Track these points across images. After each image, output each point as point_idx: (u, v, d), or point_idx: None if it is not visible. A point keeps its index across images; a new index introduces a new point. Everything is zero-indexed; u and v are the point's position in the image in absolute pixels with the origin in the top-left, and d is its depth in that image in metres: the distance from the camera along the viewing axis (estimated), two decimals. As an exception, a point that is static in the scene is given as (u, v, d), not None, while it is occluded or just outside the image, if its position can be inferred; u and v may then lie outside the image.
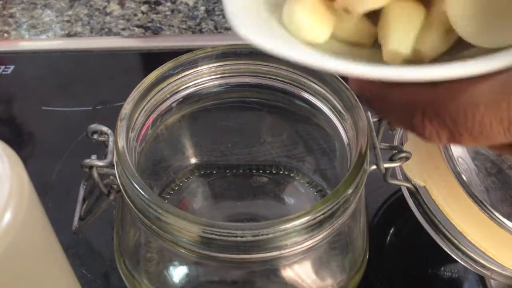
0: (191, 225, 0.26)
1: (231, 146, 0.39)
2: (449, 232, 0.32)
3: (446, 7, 0.20)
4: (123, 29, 0.60)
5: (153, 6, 0.63)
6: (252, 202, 0.39)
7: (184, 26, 0.60)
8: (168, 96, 0.33)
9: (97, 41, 0.58)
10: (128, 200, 0.28)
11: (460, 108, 0.19)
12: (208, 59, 0.33)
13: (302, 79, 0.33)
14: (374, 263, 0.35)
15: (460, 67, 0.19)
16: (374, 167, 0.30)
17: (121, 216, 0.32)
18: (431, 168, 0.32)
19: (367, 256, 0.33)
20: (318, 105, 0.33)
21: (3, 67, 0.54)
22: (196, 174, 0.39)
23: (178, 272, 0.32)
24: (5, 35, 0.60)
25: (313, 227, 0.26)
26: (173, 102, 0.33)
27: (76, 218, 0.31)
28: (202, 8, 0.62)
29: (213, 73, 0.34)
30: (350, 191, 0.27)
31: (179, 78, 0.33)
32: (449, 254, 0.33)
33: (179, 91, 0.33)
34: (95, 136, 0.31)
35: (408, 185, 0.33)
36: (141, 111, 0.31)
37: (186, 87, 0.33)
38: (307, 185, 0.39)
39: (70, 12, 0.62)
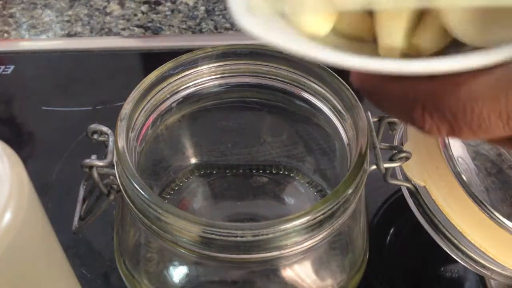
0: (191, 225, 0.26)
1: (231, 146, 0.39)
2: (449, 232, 0.32)
3: (441, 14, 0.20)
4: (123, 29, 0.60)
5: (153, 6, 0.63)
6: (252, 202, 0.39)
7: (184, 26, 0.60)
8: (168, 96, 0.33)
9: (97, 41, 0.58)
10: (128, 200, 0.28)
11: (459, 102, 0.19)
12: (208, 59, 0.33)
13: (302, 79, 0.33)
14: (374, 263, 0.35)
15: (459, 61, 0.19)
16: (374, 167, 0.30)
17: (121, 216, 0.32)
18: (431, 168, 0.32)
19: (367, 256, 0.33)
20: (318, 105, 0.33)
21: (3, 67, 0.54)
22: (196, 174, 0.39)
23: (178, 272, 0.32)
24: (5, 35, 0.60)
25: (313, 227, 0.26)
26: (173, 102, 0.33)
27: (76, 218, 0.31)
28: (202, 8, 0.62)
29: (213, 73, 0.34)
30: (350, 191, 0.27)
31: (179, 78, 0.33)
32: (449, 254, 0.33)
33: (179, 91, 0.33)
34: (95, 136, 0.31)
35: (408, 185, 0.33)
36: (141, 111, 0.31)
37: (186, 87, 0.33)
38: (307, 185, 0.39)
39: (70, 12, 0.62)
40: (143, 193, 0.26)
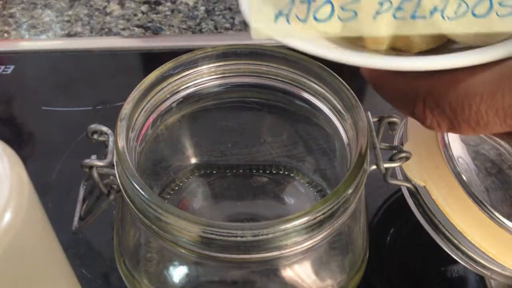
0: (191, 225, 0.26)
1: (231, 146, 0.39)
2: (449, 232, 0.32)
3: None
4: (123, 29, 0.60)
5: (153, 6, 0.63)
6: (252, 202, 0.39)
7: (184, 26, 0.60)
8: (168, 96, 0.33)
9: (97, 41, 0.58)
10: (128, 200, 0.28)
11: (458, 98, 0.20)
12: (208, 59, 0.33)
13: (302, 79, 0.33)
14: (374, 263, 0.35)
15: (457, 58, 0.19)
16: (374, 167, 0.30)
17: (121, 216, 0.32)
18: (431, 168, 0.32)
19: (367, 256, 0.33)
20: (318, 105, 0.33)
21: (3, 67, 0.54)
22: (196, 174, 0.39)
23: (178, 272, 0.32)
24: (5, 35, 0.60)
25: (313, 227, 0.26)
26: (173, 102, 0.33)
27: (76, 218, 0.31)
28: (202, 8, 0.62)
29: (213, 73, 0.34)
30: (350, 191, 0.27)
31: (179, 78, 0.33)
32: (449, 254, 0.33)
33: (179, 91, 0.33)
34: (95, 136, 0.31)
35: (408, 185, 0.33)
36: (141, 111, 0.31)
37: (186, 87, 0.33)
38: (307, 185, 0.39)
39: (70, 12, 0.62)
40: (143, 193, 0.26)
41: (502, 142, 0.39)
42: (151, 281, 0.31)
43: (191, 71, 0.33)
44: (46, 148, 0.47)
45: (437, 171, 0.32)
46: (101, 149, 0.31)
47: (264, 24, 0.21)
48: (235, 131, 0.39)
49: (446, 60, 0.20)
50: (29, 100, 0.51)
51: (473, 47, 0.20)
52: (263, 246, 0.26)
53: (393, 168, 0.31)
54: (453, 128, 0.20)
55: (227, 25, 0.60)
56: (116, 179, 0.29)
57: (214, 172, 0.39)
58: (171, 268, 0.32)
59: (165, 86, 0.32)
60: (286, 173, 0.39)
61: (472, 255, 0.32)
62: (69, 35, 0.60)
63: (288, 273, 0.30)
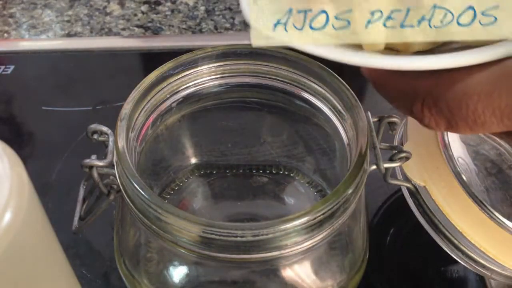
0: (191, 225, 0.26)
1: (231, 146, 0.39)
2: (449, 232, 0.32)
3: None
4: (123, 29, 0.60)
5: (153, 6, 0.63)
6: (252, 202, 0.39)
7: (184, 26, 0.60)
8: (168, 96, 0.33)
9: (97, 41, 0.58)
10: (128, 200, 0.28)
11: (455, 97, 0.20)
12: (208, 59, 0.33)
13: (302, 79, 0.33)
14: (374, 263, 0.35)
15: (454, 57, 0.20)
16: (374, 167, 0.30)
17: (121, 216, 0.32)
18: (431, 168, 0.32)
19: (367, 256, 0.33)
20: (318, 105, 0.33)
21: (3, 67, 0.54)
22: (196, 174, 0.39)
23: (178, 272, 0.32)
24: (5, 35, 0.60)
25: (313, 227, 0.26)
26: (173, 102, 0.33)
27: (76, 218, 0.31)
28: (202, 8, 0.62)
29: (213, 73, 0.34)
30: (350, 191, 0.27)
31: (179, 78, 0.33)
32: (449, 254, 0.33)
33: (179, 91, 0.33)
34: (95, 136, 0.31)
35: (408, 185, 0.33)
36: (141, 111, 0.31)
37: (186, 87, 0.33)
38: (307, 185, 0.39)
39: (70, 12, 0.62)
40: (143, 193, 0.26)
41: (502, 142, 0.39)
42: (151, 281, 0.31)
43: (191, 71, 0.33)
44: (46, 148, 0.47)
45: (437, 171, 0.32)
46: (101, 149, 0.31)
47: (264, 32, 0.21)
48: (235, 131, 0.39)
49: (445, 60, 0.20)
50: (29, 100, 0.51)
51: (471, 46, 0.20)
52: (263, 246, 0.26)
53: (393, 168, 0.31)
54: (451, 127, 0.21)
55: (227, 25, 0.60)
56: (116, 179, 0.29)
57: (214, 172, 0.39)
58: (171, 268, 0.32)
59: (165, 86, 0.32)
60: (286, 173, 0.39)
61: (472, 255, 0.32)
62: (69, 35, 0.60)
63: (288, 273, 0.30)
